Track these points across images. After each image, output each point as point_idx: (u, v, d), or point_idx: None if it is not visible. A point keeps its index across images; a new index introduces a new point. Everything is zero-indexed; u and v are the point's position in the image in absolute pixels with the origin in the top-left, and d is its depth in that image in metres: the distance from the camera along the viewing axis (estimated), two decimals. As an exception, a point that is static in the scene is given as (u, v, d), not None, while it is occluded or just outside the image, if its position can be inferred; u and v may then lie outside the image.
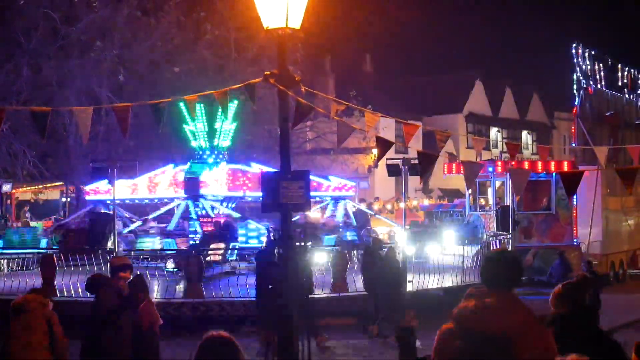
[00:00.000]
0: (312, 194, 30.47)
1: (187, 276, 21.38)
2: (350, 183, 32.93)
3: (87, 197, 30.40)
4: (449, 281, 23.61)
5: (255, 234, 27.82)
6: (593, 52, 54.99)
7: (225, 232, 25.74)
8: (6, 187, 33.83)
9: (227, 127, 29.29)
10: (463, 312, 5.21)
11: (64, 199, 40.00)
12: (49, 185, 39.75)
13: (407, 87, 60.62)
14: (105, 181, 25.90)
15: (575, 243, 33.24)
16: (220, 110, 26.43)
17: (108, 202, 27.11)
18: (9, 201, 36.13)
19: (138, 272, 13.76)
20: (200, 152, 29.20)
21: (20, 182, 37.13)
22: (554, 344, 5.22)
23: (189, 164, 29.26)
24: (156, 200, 30.51)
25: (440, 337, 5.30)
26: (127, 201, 29.84)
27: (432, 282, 22.77)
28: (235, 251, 25.61)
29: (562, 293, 7.43)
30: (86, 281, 11.64)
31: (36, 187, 39.67)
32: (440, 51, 64.84)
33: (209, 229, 26.94)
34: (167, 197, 29.14)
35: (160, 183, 28.92)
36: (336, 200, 31.98)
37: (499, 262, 5.47)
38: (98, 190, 29.11)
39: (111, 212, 23.48)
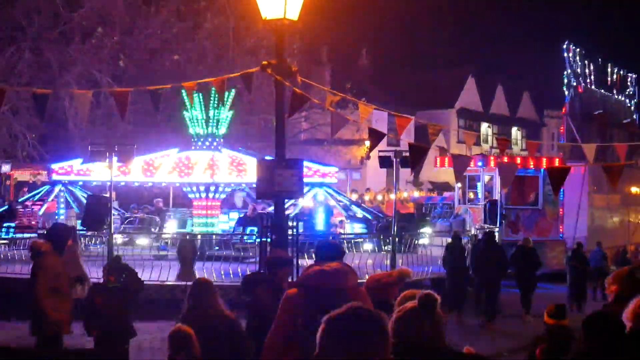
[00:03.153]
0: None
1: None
2: (329, 168, 30.14)
3: (55, 177, 28.25)
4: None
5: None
6: (583, 52, 55.05)
7: None
8: (5, 168, 33.81)
9: (223, 115, 28.95)
10: (314, 275, 6.32)
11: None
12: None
13: (401, 82, 60.52)
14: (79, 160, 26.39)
15: (560, 238, 33.39)
16: (216, 98, 26.46)
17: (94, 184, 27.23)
18: (7, 182, 36.13)
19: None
20: (197, 139, 28.95)
21: (20, 163, 37.09)
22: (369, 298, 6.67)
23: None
24: (150, 184, 30.24)
25: (287, 301, 6.37)
26: (122, 184, 29.38)
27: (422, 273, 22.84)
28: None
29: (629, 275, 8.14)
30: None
31: (35, 168, 39.53)
32: (434, 47, 64.94)
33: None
34: (168, 181, 28.80)
35: (162, 166, 28.02)
36: (311, 186, 29.38)
37: (328, 244, 7.50)
38: (70, 170, 27.64)
39: (108, 195, 23.45)
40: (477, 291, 21.72)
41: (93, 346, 10.91)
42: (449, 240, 23.65)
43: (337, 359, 3.42)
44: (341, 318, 3.56)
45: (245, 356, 8.47)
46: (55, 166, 28.07)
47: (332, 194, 30.84)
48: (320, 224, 29.55)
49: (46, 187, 29.06)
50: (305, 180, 29.59)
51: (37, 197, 29.73)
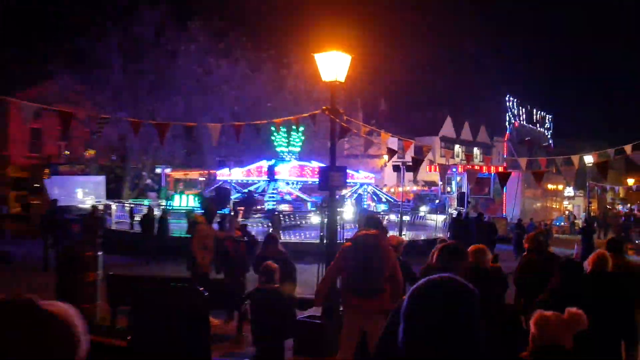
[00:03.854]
0: (347, 180, 30.85)
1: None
2: (369, 174, 33.13)
3: (218, 178, 30.06)
4: (429, 235, 23.46)
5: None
6: (519, 101, 54.35)
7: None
8: (167, 170, 34.45)
9: (298, 140, 29.41)
10: (362, 236, 6.27)
11: (200, 178, 40.52)
12: (192, 170, 40.14)
13: (406, 118, 59.94)
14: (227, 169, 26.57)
15: (503, 216, 32.96)
16: (294, 128, 26.64)
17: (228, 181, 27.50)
18: (168, 178, 36.78)
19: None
20: (282, 154, 29.25)
21: (175, 167, 37.67)
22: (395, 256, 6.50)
23: (272, 160, 29.41)
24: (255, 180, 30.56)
25: (343, 250, 6.29)
26: (243, 181, 29.94)
27: (419, 237, 22.68)
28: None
29: (535, 237, 8.19)
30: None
31: (184, 170, 40.08)
32: (425, 96, 64.33)
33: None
34: (287, 179, 29.29)
35: (282, 170, 29.00)
36: (362, 185, 31.92)
37: (373, 217, 7.22)
38: (222, 174, 29.03)
39: (229, 187, 23.59)
40: None
41: (223, 278, 11.03)
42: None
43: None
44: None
45: (293, 277, 9.05)
46: (252, 166, 28.77)
47: (373, 188, 32.55)
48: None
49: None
50: (361, 181, 31.27)
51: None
